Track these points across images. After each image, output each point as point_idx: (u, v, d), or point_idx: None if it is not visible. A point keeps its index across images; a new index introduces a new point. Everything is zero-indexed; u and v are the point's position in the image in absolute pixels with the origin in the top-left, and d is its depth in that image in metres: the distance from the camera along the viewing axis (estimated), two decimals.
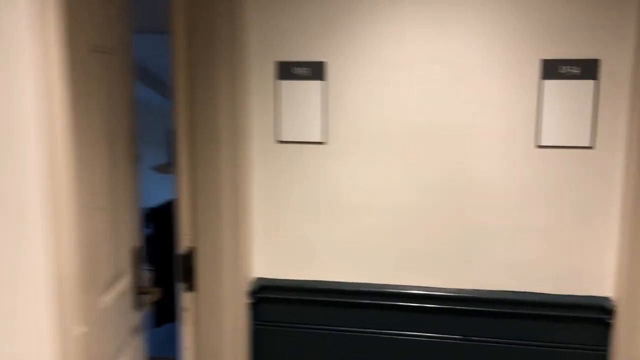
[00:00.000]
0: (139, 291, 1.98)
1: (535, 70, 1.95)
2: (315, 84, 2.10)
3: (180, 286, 2.06)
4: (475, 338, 2.09)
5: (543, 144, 1.89)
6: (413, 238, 2.11)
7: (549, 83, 1.94)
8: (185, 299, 2.09)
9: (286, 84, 2.12)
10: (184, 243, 2.06)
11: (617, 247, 1.92)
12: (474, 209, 2.05)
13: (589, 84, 1.91)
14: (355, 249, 2.16)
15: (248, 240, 2.13)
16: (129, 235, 1.88)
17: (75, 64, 1.28)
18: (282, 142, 2.15)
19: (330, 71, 2.08)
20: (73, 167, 1.13)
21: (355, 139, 2.10)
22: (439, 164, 2.05)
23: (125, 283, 1.87)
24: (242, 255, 2.08)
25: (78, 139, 1.28)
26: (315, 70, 2.09)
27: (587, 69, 1.91)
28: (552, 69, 1.93)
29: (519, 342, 2.05)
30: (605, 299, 1.91)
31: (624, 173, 1.91)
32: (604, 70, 1.91)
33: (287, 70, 2.10)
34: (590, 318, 1.91)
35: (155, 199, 3.64)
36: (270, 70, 2.12)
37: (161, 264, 3.52)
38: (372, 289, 2.15)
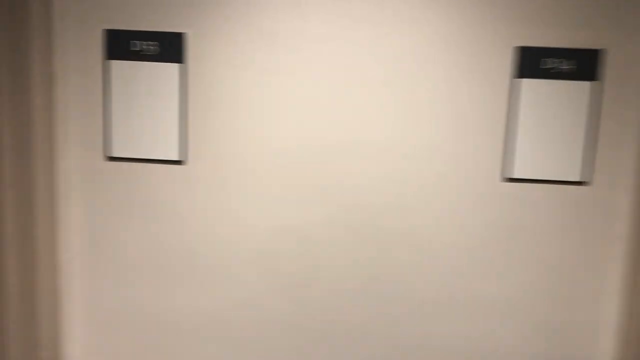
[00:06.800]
0: None
1: (507, 63, 1.27)
2: (169, 68, 1.32)
3: None
4: None
5: (514, 175, 1.21)
6: (311, 320, 1.38)
7: (526, 83, 1.26)
8: None
9: (120, 67, 1.32)
10: None
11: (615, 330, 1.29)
12: (409, 268, 1.35)
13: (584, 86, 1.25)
14: (230, 334, 1.40)
15: (57, 312, 1.46)
16: None
17: None
18: (113, 158, 1.36)
19: (192, 48, 1.31)
20: None
21: (230, 157, 1.34)
22: (350, 201, 1.33)
23: None
24: (42, 336, 1.41)
25: None
26: (169, 47, 1.31)
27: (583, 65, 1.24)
28: (531, 63, 1.25)
29: None
30: None
31: (629, 219, 1.27)
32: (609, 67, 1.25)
33: (123, 45, 1.31)
34: None
35: None
36: (97, 44, 1.32)
37: None
38: None
